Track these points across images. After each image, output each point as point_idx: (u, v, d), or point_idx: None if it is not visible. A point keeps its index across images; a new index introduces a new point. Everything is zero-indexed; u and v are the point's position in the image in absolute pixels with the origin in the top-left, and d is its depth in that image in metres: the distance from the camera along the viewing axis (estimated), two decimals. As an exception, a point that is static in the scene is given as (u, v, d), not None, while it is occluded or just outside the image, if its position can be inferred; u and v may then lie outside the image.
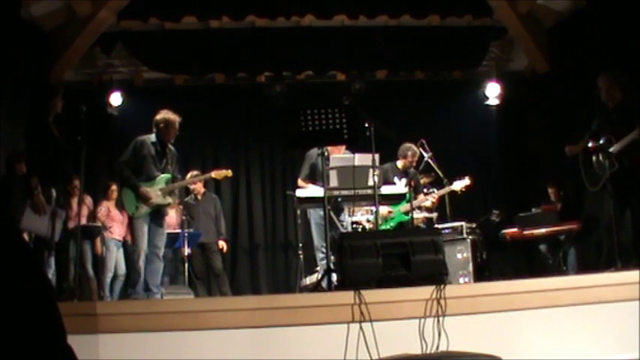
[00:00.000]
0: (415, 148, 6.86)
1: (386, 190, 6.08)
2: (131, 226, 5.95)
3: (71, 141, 5.41)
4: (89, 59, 9.08)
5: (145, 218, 5.68)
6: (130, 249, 8.22)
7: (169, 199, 5.77)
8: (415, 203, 6.47)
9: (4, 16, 6.43)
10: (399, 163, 6.87)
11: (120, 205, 8.57)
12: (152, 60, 8.90)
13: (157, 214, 5.77)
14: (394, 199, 6.25)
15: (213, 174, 6.29)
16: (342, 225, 6.23)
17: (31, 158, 5.72)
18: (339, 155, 6.07)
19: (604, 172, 5.20)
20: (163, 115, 5.77)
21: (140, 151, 5.71)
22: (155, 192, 5.65)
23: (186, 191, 8.49)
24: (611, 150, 5.12)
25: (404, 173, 6.81)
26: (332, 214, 6.26)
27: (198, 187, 8.23)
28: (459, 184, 6.79)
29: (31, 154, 5.67)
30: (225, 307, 3.49)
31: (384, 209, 6.37)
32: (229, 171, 6.43)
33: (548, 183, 8.20)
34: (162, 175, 5.74)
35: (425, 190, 6.95)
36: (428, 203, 6.80)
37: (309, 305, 3.48)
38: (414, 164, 6.89)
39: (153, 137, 5.78)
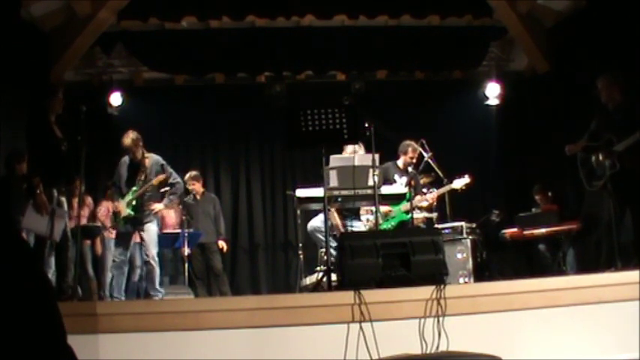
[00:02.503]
0: (415, 145, 6.85)
1: (386, 190, 6.09)
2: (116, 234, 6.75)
3: (71, 141, 5.41)
4: (89, 59, 9.08)
5: (125, 228, 6.41)
6: (131, 249, 8.24)
7: (130, 210, 6.30)
8: (415, 202, 6.47)
9: (4, 16, 6.43)
10: (400, 161, 6.86)
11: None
12: (152, 60, 8.89)
13: (136, 223, 6.37)
14: (394, 199, 6.25)
15: (155, 181, 6.56)
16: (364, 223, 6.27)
17: (32, 158, 5.72)
18: (339, 155, 6.07)
19: (604, 172, 5.20)
20: (122, 139, 6.38)
21: (119, 171, 6.50)
22: (123, 205, 6.33)
23: (186, 191, 8.49)
24: (614, 148, 5.11)
25: (404, 171, 6.81)
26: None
27: (197, 187, 8.23)
28: (459, 182, 6.78)
29: (33, 154, 5.66)
30: (225, 307, 3.50)
31: (384, 208, 6.37)
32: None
33: (534, 190, 8.19)
34: (131, 189, 6.36)
35: (425, 191, 6.95)
36: (427, 202, 6.78)
37: (309, 305, 3.49)
38: (415, 160, 6.87)
39: (127, 157, 6.48)
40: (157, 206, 6.51)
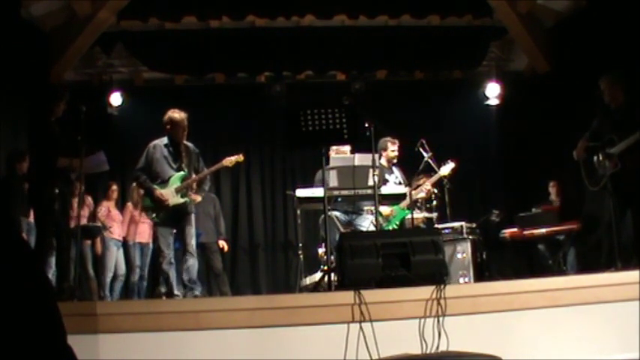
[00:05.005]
0: (392, 138, 6.79)
1: (386, 190, 6.10)
2: (155, 232, 6.02)
3: (71, 141, 5.41)
4: (89, 59, 9.08)
5: (167, 222, 5.70)
6: (131, 249, 8.25)
7: (186, 198, 5.71)
8: (413, 194, 6.47)
9: (4, 16, 6.43)
10: (383, 160, 6.80)
11: (121, 206, 8.63)
12: (152, 60, 8.90)
13: (180, 214, 5.71)
14: (394, 199, 6.25)
15: (225, 162, 6.08)
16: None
17: (34, 159, 5.71)
18: (339, 155, 6.07)
19: (604, 172, 5.20)
20: (169, 115, 5.78)
21: (152, 154, 5.75)
22: (171, 192, 5.66)
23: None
24: (612, 151, 5.11)
25: (390, 169, 6.77)
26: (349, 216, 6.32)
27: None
28: (446, 169, 6.76)
29: (34, 155, 5.66)
30: (225, 307, 3.50)
31: (385, 210, 6.37)
32: (240, 156, 6.27)
33: (550, 179, 8.18)
34: (177, 174, 5.72)
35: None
36: (422, 194, 6.74)
37: (309, 305, 3.49)
38: (398, 152, 6.81)
39: (165, 139, 5.79)
40: (198, 198, 5.96)
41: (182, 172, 5.71)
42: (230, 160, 6.08)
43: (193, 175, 5.81)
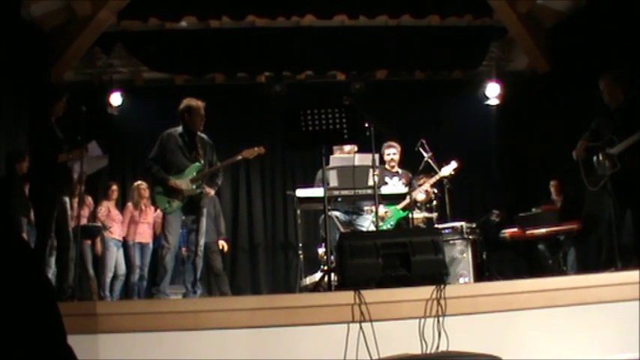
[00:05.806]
0: (390, 142, 6.74)
1: (386, 190, 6.09)
2: (163, 222, 5.87)
3: (71, 141, 5.41)
4: (89, 59, 9.08)
5: (178, 213, 5.57)
6: (131, 249, 8.24)
7: (201, 189, 5.57)
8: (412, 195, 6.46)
9: (4, 16, 6.43)
10: (386, 164, 6.80)
11: (121, 206, 8.63)
12: (152, 60, 8.90)
13: (193, 205, 5.61)
14: (394, 199, 6.25)
15: (245, 153, 5.86)
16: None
17: (34, 159, 5.72)
18: (339, 155, 6.07)
19: (604, 172, 5.20)
20: (185, 103, 5.66)
21: (167, 144, 5.57)
22: (185, 183, 5.50)
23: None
24: (612, 151, 5.11)
25: (394, 172, 6.76)
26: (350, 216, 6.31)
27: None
28: (448, 169, 6.74)
29: (35, 155, 5.66)
30: (225, 307, 3.50)
31: (380, 210, 6.35)
32: (261, 148, 6.01)
33: (551, 177, 8.18)
34: (193, 165, 5.56)
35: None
36: (422, 195, 6.74)
37: (309, 305, 3.49)
38: (396, 156, 6.75)
39: (180, 129, 5.64)
40: (211, 191, 5.78)
41: (198, 164, 5.56)
42: (251, 152, 5.88)
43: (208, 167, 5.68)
